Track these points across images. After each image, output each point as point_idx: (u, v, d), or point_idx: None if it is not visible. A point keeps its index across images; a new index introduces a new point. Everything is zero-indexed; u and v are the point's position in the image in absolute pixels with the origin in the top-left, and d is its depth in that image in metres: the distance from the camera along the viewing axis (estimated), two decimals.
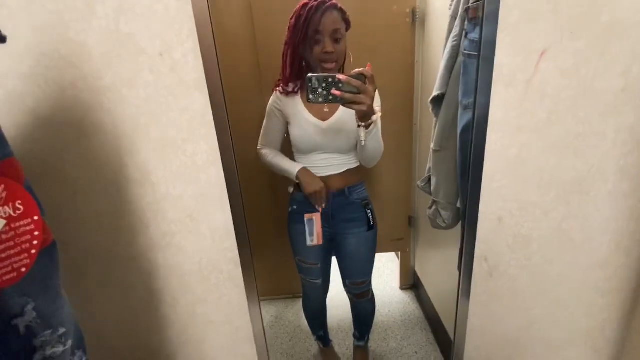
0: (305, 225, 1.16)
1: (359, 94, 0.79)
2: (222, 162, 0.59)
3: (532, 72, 0.56)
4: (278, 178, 1.18)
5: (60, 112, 0.54)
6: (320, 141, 1.07)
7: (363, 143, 0.93)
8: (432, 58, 1.43)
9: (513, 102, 0.58)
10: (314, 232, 1.15)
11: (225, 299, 0.71)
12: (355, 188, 1.16)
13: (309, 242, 1.15)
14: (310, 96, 0.77)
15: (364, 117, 0.88)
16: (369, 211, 1.17)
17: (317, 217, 1.13)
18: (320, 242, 1.15)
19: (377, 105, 1.02)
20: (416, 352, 1.57)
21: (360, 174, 1.19)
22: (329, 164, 1.11)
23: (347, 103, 0.80)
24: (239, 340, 0.74)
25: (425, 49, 1.50)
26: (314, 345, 1.65)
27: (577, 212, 0.66)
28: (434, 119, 1.10)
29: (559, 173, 0.62)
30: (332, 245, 1.23)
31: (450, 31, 1.02)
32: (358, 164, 1.15)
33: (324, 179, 1.12)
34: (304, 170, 1.11)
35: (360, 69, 0.79)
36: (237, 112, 1.56)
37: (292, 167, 1.12)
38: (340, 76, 0.77)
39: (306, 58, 1.02)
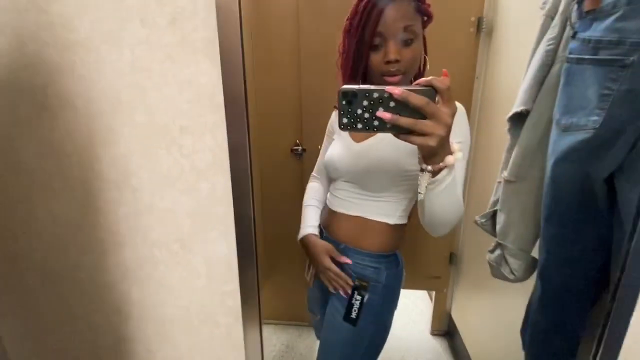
0: (306, 260, 0.91)
1: (425, 118, 0.47)
2: (232, 167, 0.39)
3: None
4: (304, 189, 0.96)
5: (15, 74, 0.37)
6: (342, 165, 0.78)
7: (422, 196, 0.58)
8: (499, 73, 1.18)
9: None
10: (310, 268, 0.90)
11: None
12: (358, 255, 0.79)
13: (307, 277, 0.91)
14: (344, 120, 0.47)
15: (432, 157, 0.52)
16: (357, 299, 0.77)
17: None
18: (310, 285, 0.90)
19: (457, 139, 0.64)
20: None
21: (384, 239, 0.80)
22: (344, 197, 0.81)
23: (404, 133, 0.48)
24: None
25: (491, 62, 1.25)
26: None
27: None
28: (509, 142, 0.85)
29: None
30: None
31: (543, 34, 0.78)
32: (388, 220, 0.78)
33: (331, 216, 0.84)
34: (310, 238, 0.84)
35: (431, 78, 0.47)
36: (263, 99, 1.35)
37: (303, 226, 0.87)
38: (394, 89, 0.45)
39: (361, 72, 0.71)
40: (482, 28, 1.25)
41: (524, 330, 0.84)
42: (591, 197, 0.63)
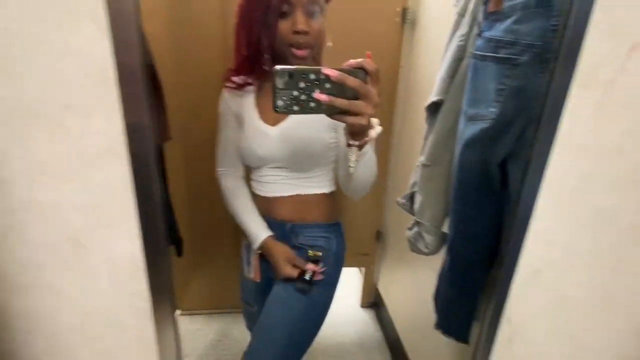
0: (244, 252, 0.89)
1: (357, 98, 0.49)
2: (131, 152, 0.34)
3: (618, 71, 0.37)
4: None
5: None
6: (267, 153, 0.77)
7: (352, 169, 0.61)
8: (422, 63, 1.26)
9: (585, 111, 0.39)
10: (251, 262, 0.87)
11: None
12: (306, 229, 0.82)
13: (245, 272, 0.88)
14: (279, 102, 0.46)
15: (359, 134, 0.57)
16: (311, 272, 0.78)
17: None
18: (257, 279, 0.86)
19: None
20: None
21: (323, 209, 0.83)
22: (275, 181, 0.80)
23: (338, 114, 0.49)
24: None
25: (415, 52, 1.32)
26: None
27: (628, 268, 0.48)
28: (426, 129, 0.92)
29: (617, 216, 0.44)
30: None
31: (455, 30, 0.84)
32: (322, 190, 0.82)
33: (267, 202, 0.82)
34: (268, 243, 0.79)
35: (360, 60, 0.48)
36: (186, 73, 1.21)
37: (255, 232, 0.80)
38: (329, 71, 0.45)
39: (266, 40, 0.67)
40: (406, 19, 1.31)
41: (436, 297, 0.94)
42: (489, 179, 0.72)
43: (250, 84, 0.78)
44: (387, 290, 1.62)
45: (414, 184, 0.97)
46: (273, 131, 0.76)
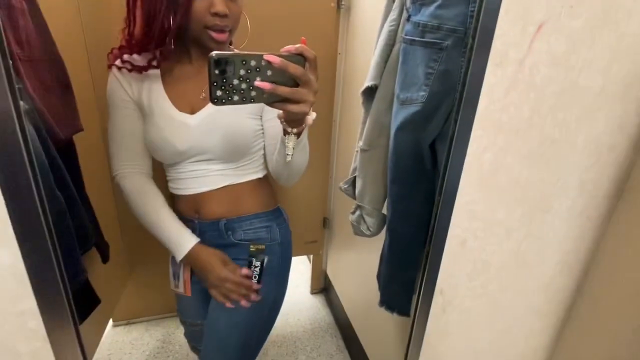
0: (170, 264, 0.80)
1: (297, 86, 0.47)
2: None
3: (526, 50, 0.40)
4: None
5: None
6: (188, 146, 0.68)
7: (289, 157, 0.59)
8: (358, 49, 1.27)
9: (500, 89, 0.41)
10: (179, 275, 0.79)
11: None
12: (242, 222, 0.75)
13: (172, 287, 0.80)
14: (218, 92, 0.42)
15: (297, 121, 0.55)
16: (255, 266, 0.73)
17: None
18: (188, 294, 0.78)
19: None
20: None
21: (259, 196, 0.77)
22: (199, 176, 0.71)
23: (279, 102, 0.47)
24: None
25: (351, 38, 1.33)
26: None
27: (537, 232, 0.54)
28: (362, 115, 0.93)
29: (528, 186, 0.49)
30: None
31: (386, 15, 0.85)
32: (254, 176, 0.76)
33: (192, 201, 0.73)
34: (197, 250, 0.69)
35: (298, 46, 0.45)
36: (97, 54, 1.05)
37: (177, 241, 0.69)
38: (271, 57, 0.42)
39: (176, 19, 0.59)
40: (341, 4, 1.30)
41: (378, 276, 0.98)
42: (421, 160, 0.75)
43: (154, 67, 0.67)
44: (335, 274, 1.65)
45: (355, 169, 0.98)
46: (192, 120, 0.68)
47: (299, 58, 0.46)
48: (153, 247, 1.37)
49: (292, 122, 0.55)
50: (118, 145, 0.72)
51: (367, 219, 0.95)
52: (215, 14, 0.59)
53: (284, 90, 0.45)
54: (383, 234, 0.95)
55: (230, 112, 0.68)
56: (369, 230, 0.96)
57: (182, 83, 0.70)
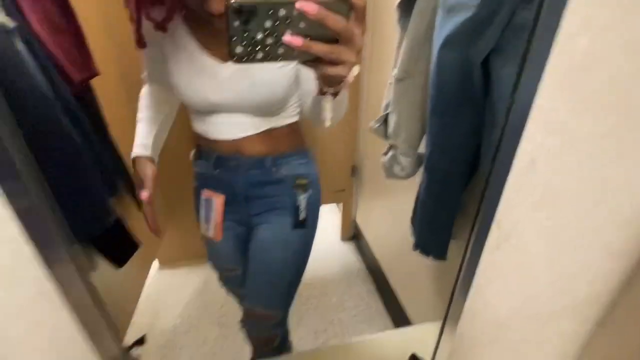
0: (201, 206, 0.77)
1: (335, 41, 0.36)
2: None
3: None
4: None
5: None
6: (218, 99, 0.63)
7: (328, 122, 0.51)
8: None
9: None
10: (210, 218, 0.77)
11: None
12: (287, 159, 0.73)
13: (202, 231, 0.78)
14: (238, 48, 0.33)
15: (335, 81, 0.44)
16: (301, 198, 0.74)
17: (217, 200, 0.74)
18: (218, 239, 0.77)
19: None
20: (357, 305, 1.44)
21: (297, 136, 0.76)
22: (241, 122, 0.67)
23: (312, 61, 0.38)
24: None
25: None
26: None
27: (629, 153, 0.41)
28: (398, 35, 0.79)
29: (625, 89, 0.36)
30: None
31: None
32: (292, 119, 0.73)
33: (233, 144, 0.69)
34: (138, 161, 0.70)
35: None
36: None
37: (134, 146, 0.71)
38: (307, 5, 0.32)
39: None
40: None
41: (413, 219, 0.91)
42: (469, 82, 0.63)
43: (171, 19, 0.58)
44: (366, 222, 1.62)
45: (387, 105, 0.87)
46: (225, 70, 0.61)
47: (342, 5, 0.35)
48: (190, 195, 1.40)
49: (330, 82, 0.45)
50: (144, 61, 0.72)
51: (402, 159, 0.86)
52: None
53: (319, 47, 0.35)
54: (417, 176, 0.86)
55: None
56: (403, 171, 0.87)
57: (208, 25, 0.59)
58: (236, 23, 0.32)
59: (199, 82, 0.62)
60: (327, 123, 0.51)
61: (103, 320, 0.39)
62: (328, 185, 1.61)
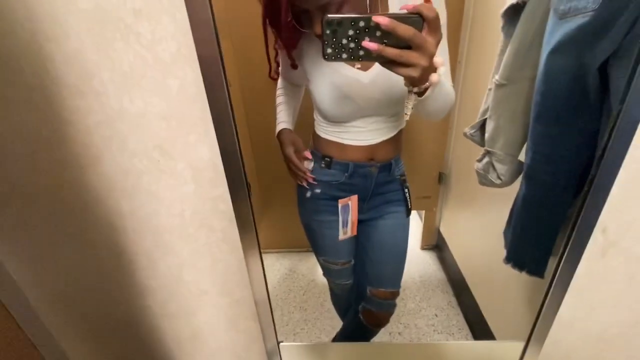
0: (339, 214, 0.84)
1: (410, 48, 0.45)
2: (200, 57, 0.34)
3: None
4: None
5: None
6: (362, 104, 0.71)
7: (407, 116, 0.58)
8: None
9: None
10: (348, 221, 0.86)
11: (221, 266, 0.50)
12: (399, 159, 0.87)
13: (341, 236, 0.86)
14: (329, 50, 0.45)
15: (417, 81, 0.52)
16: (406, 190, 0.89)
17: (353, 202, 0.82)
18: (355, 233, 0.86)
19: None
20: (436, 315, 1.41)
21: (402, 141, 0.87)
22: (377, 128, 0.77)
23: (388, 63, 0.47)
24: (240, 314, 0.55)
25: None
26: (327, 301, 1.52)
27: None
28: (501, 43, 0.79)
29: None
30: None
31: None
32: (404, 123, 0.83)
33: (369, 149, 0.79)
34: (283, 132, 0.83)
35: (419, 5, 0.43)
36: (239, 22, 1.21)
37: (277, 126, 0.84)
38: (380, 18, 0.42)
39: (294, 11, 0.60)
40: None
41: (507, 230, 0.88)
42: (583, 89, 0.61)
43: (295, 43, 0.70)
44: (450, 231, 1.57)
45: (485, 111, 0.87)
46: (365, 77, 0.69)
47: (416, 18, 0.44)
48: (282, 193, 1.59)
49: (413, 82, 0.53)
50: (282, 63, 0.84)
51: (498, 166, 0.85)
52: None
53: (391, 51, 0.45)
54: (511, 188, 0.84)
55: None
56: (500, 179, 0.86)
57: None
58: (327, 31, 0.44)
59: (345, 90, 0.71)
60: (406, 117, 0.59)
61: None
62: (413, 192, 1.61)
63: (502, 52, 0.79)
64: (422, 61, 0.46)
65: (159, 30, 0.33)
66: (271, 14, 0.64)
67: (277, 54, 0.80)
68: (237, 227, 0.44)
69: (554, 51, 0.62)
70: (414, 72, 0.47)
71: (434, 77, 0.52)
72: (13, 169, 0.41)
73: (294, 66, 0.75)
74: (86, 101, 0.37)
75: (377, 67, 0.69)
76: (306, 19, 0.65)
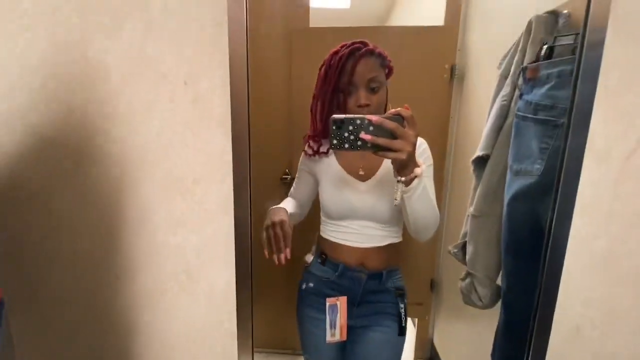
0: (326, 314, 0.87)
1: (396, 138, 0.63)
2: (235, 211, 0.48)
3: (633, 148, 0.43)
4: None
5: (62, 134, 0.46)
6: (357, 205, 0.85)
7: (397, 202, 0.70)
8: (470, 116, 1.33)
9: (606, 183, 0.45)
10: (336, 323, 0.87)
11: None
12: (394, 272, 0.91)
13: (328, 338, 0.87)
14: (334, 141, 0.62)
15: (404, 169, 0.67)
16: (402, 306, 0.88)
17: (342, 302, 0.84)
18: (344, 338, 0.87)
19: (424, 157, 0.82)
20: None
21: (401, 254, 0.94)
22: (368, 233, 0.87)
23: (381, 150, 0.63)
24: None
25: (463, 106, 1.40)
26: None
27: None
28: (474, 181, 0.97)
29: None
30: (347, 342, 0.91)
31: (499, 90, 0.92)
32: (400, 239, 0.92)
33: (359, 253, 0.88)
34: (280, 207, 0.82)
35: (397, 109, 0.63)
36: (256, 133, 1.44)
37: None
38: (372, 117, 0.61)
39: (337, 113, 0.80)
40: (454, 75, 1.42)
41: (493, 354, 0.92)
42: (539, 232, 0.74)
43: (323, 153, 0.91)
44: (443, 345, 1.55)
45: (465, 234, 1.00)
46: (362, 185, 0.86)
47: (398, 117, 0.63)
48: (276, 288, 1.62)
49: (400, 170, 0.67)
50: (293, 188, 0.98)
51: (479, 288, 0.94)
52: (360, 106, 0.79)
53: (382, 140, 0.62)
54: (497, 307, 0.91)
55: (389, 180, 0.83)
56: (481, 301, 0.94)
57: (349, 156, 0.90)
58: (333, 127, 0.62)
59: (345, 192, 0.86)
60: (396, 202, 0.71)
61: None
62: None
63: (475, 188, 0.96)
64: (406, 147, 0.62)
65: (209, 193, 0.48)
66: (329, 110, 0.82)
67: (306, 141, 0.94)
68: (237, 344, 0.51)
69: (512, 199, 0.77)
70: (402, 155, 0.62)
71: (417, 170, 0.67)
72: (62, 276, 0.51)
73: (314, 154, 0.90)
74: (139, 233, 0.50)
75: (372, 180, 0.85)
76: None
